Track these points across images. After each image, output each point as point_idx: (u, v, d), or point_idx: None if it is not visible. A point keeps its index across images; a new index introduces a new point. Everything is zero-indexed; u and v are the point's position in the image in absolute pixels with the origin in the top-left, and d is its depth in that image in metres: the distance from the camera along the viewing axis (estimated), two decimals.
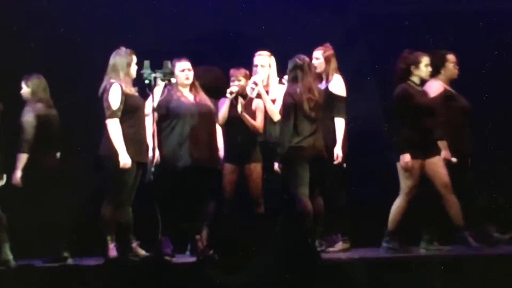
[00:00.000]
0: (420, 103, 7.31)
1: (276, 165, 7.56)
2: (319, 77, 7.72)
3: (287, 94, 7.39)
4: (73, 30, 8.23)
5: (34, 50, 8.14)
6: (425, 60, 7.41)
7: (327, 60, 7.69)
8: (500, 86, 8.35)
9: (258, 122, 7.72)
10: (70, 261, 7.37)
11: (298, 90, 7.34)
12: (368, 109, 8.25)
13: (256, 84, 7.69)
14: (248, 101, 7.74)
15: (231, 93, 7.67)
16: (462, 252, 7.11)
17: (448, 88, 7.67)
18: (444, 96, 7.58)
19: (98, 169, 7.21)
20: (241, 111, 7.64)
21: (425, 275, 6.39)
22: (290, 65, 7.43)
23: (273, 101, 7.76)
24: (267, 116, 7.75)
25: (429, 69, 7.44)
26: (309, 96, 7.35)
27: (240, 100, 7.66)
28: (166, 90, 7.51)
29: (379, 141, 8.08)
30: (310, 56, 7.62)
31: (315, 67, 7.64)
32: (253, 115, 7.72)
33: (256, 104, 7.76)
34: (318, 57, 7.72)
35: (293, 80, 7.41)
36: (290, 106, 7.33)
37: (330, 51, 7.71)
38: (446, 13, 8.60)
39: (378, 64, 8.44)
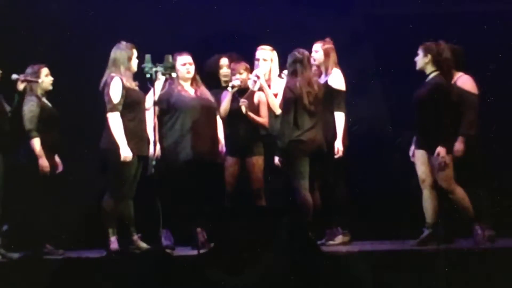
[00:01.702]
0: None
1: (276, 159, 7.59)
2: (317, 70, 7.74)
3: (287, 88, 7.41)
4: (74, 24, 8.25)
5: (36, 45, 8.17)
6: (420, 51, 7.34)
7: (326, 53, 7.69)
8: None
9: (264, 118, 7.75)
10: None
11: (297, 84, 7.36)
12: (368, 104, 8.26)
13: (258, 77, 7.71)
14: (250, 95, 7.76)
15: (233, 87, 7.69)
16: (456, 247, 7.13)
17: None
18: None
19: (99, 162, 7.25)
20: (246, 111, 7.66)
21: (424, 269, 6.41)
22: (289, 59, 7.45)
23: (275, 95, 7.78)
24: (269, 110, 7.79)
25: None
26: (309, 90, 7.37)
27: (244, 102, 7.65)
28: (167, 84, 7.52)
29: (379, 135, 8.10)
30: (310, 51, 7.64)
31: (314, 60, 7.66)
32: (256, 108, 7.74)
33: (259, 97, 7.77)
34: (317, 49, 7.72)
35: (292, 74, 7.43)
36: (290, 100, 7.35)
37: (330, 45, 7.71)
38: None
39: (379, 60, 8.45)
